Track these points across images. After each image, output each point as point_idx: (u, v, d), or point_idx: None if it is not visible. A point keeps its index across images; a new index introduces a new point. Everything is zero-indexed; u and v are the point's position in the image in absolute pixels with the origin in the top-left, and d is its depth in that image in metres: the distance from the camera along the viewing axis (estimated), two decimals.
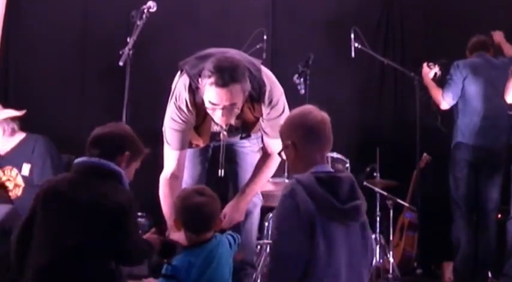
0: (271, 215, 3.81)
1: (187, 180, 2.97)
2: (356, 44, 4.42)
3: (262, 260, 3.63)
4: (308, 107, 2.17)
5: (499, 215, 4.18)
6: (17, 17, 5.05)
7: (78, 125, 4.57)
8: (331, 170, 2.13)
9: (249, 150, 3.06)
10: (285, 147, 2.15)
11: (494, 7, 4.90)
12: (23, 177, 3.54)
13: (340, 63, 4.97)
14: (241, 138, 2.94)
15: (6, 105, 3.74)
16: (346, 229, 2.01)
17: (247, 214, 3.06)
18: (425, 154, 4.74)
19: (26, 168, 3.54)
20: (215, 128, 2.83)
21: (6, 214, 2.99)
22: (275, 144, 2.60)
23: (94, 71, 4.95)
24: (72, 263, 2.00)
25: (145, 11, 3.24)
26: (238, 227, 2.86)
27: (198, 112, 2.73)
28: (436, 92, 4.14)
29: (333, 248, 1.96)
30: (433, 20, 5.32)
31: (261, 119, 2.78)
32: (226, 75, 2.45)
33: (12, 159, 3.58)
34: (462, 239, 3.92)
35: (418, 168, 4.47)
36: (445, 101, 4.07)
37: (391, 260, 4.18)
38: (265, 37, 4.26)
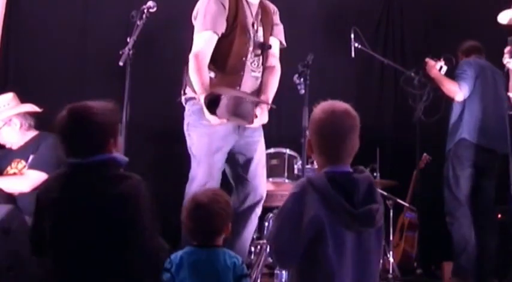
0: (271, 215, 3.81)
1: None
2: (356, 44, 4.42)
3: (262, 260, 3.63)
4: (335, 111, 1.98)
5: (499, 215, 4.19)
6: (17, 17, 5.05)
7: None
8: (349, 169, 1.97)
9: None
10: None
11: (494, 7, 4.90)
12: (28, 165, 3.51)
13: (340, 63, 4.98)
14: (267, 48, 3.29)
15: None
16: (359, 235, 1.88)
17: (246, 221, 3.11)
18: (425, 154, 4.74)
19: (31, 160, 3.51)
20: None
21: (7, 214, 2.99)
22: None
23: (94, 71, 4.95)
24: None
25: (145, 11, 3.23)
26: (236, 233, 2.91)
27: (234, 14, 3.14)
28: (449, 83, 4.03)
29: (342, 255, 1.85)
30: (433, 20, 5.33)
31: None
32: None
33: (22, 153, 3.57)
34: (469, 238, 3.85)
35: (418, 168, 4.47)
36: (462, 92, 3.97)
37: (391, 260, 4.18)
38: None
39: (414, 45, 5.30)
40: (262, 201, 3.26)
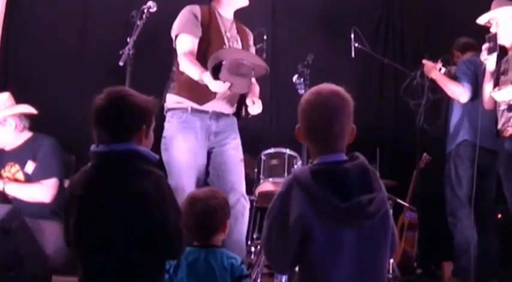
0: None
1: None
2: (356, 44, 4.42)
3: (262, 260, 3.63)
4: (321, 92, 1.88)
5: (499, 215, 4.18)
6: (17, 17, 5.05)
7: (78, 125, 4.57)
8: (341, 158, 1.83)
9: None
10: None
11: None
12: (25, 174, 3.52)
13: (340, 63, 4.98)
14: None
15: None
16: (358, 229, 1.74)
17: (238, 216, 3.13)
18: (425, 154, 4.74)
19: (30, 166, 3.51)
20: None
21: (7, 214, 2.99)
22: None
23: (94, 71, 4.95)
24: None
25: (145, 11, 3.23)
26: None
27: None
28: (453, 84, 3.94)
29: (338, 253, 1.73)
30: (433, 20, 5.33)
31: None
32: None
33: (16, 156, 3.55)
34: (471, 239, 3.81)
35: (418, 168, 4.47)
36: (466, 93, 3.89)
37: (391, 260, 4.18)
38: (265, 37, 4.26)
39: (414, 45, 5.30)
40: (245, 199, 3.28)
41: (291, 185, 1.79)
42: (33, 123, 3.63)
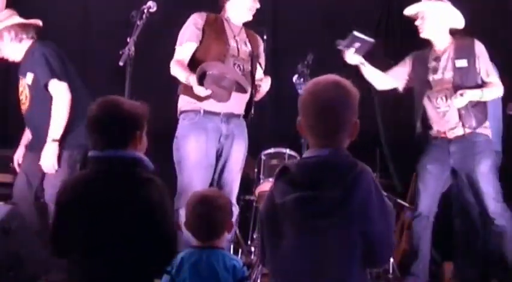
0: None
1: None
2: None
3: None
4: (320, 82, 1.80)
5: None
6: None
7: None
8: (322, 153, 1.75)
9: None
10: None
11: (496, 6, 4.89)
12: (28, 86, 3.55)
13: (340, 63, 4.96)
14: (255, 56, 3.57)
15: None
16: (314, 227, 1.67)
17: None
18: None
19: (29, 77, 3.54)
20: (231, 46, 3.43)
21: (7, 214, 2.99)
22: None
23: (94, 71, 4.95)
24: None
25: (145, 11, 3.24)
26: None
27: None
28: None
29: (297, 248, 1.69)
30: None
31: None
32: None
33: (22, 68, 3.60)
34: (479, 240, 3.82)
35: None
36: None
37: (391, 260, 4.18)
38: (265, 37, 4.26)
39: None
40: (235, 207, 3.40)
41: (277, 175, 1.82)
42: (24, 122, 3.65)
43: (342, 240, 1.67)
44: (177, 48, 3.45)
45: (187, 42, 3.40)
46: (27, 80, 3.52)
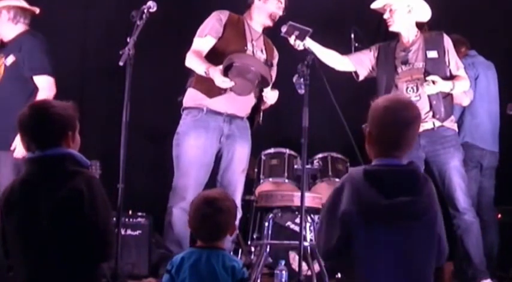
0: (271, 215, 3.81)
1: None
2: (356, 44, 4.41)
3: (262, 260, 3.63)
4: (401, 101, 2.04)
5: (499, 215, 4.18)
6: None
7: (78, 125, 4.57)
8: (397, 162, 1.97)
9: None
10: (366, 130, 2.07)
11: (494, 7, 4.90)
12: (5, 66, 3.58)
13: None
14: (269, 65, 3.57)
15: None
16: (397, 230, 1.86)
17: None
18: None
19: (10, 59, 3.57)
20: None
21: None
22: None
23: (94, 71, 4.95)
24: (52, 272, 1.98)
25: (145, 11, 3.23)
26: None
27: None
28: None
29: (376, 252, 1.86)
30: (433, 20, 5.31)
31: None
32: None
33: (7, 48, 3.63)
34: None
35: None
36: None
37: None
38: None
39: None
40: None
41: (344, 181, 1.96)
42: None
43: (428, 240, 1.94)
44: (197, 39, 3.45)
45: (207, 35, 3.43)
46: (7, 61, 3.57)
